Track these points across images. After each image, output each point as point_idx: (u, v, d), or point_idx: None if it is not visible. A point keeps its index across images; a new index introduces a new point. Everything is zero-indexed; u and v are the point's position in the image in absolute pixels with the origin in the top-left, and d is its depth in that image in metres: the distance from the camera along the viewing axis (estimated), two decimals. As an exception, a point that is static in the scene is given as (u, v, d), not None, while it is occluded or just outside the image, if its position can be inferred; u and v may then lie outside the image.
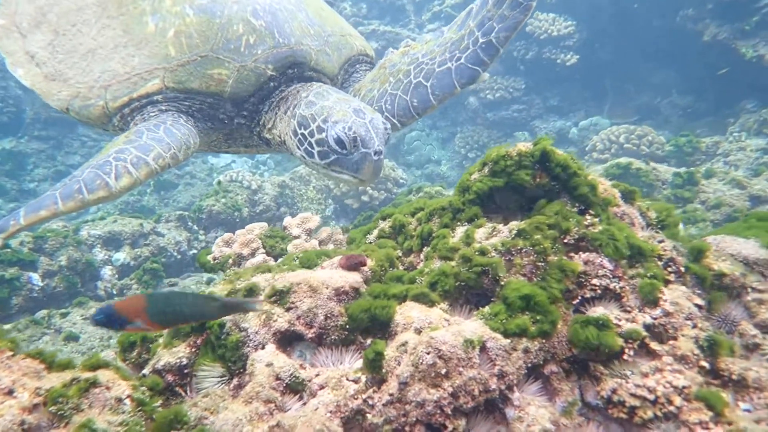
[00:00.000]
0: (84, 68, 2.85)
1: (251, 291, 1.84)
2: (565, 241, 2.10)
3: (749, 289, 2.34)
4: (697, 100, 12.08)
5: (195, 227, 8.18)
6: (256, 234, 2.78)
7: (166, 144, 2.55)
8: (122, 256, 6.62)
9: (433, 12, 16.54)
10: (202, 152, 3.39)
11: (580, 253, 2.08)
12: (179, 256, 7.51)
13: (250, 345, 1.71)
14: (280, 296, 1.82)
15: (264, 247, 2.74)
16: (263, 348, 1.71)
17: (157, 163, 2.48)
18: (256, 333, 1.73)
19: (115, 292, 6.22)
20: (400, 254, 2.31)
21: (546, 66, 13.44)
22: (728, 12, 9.96)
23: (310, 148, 2.53)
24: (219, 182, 9.25)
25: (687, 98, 12.36)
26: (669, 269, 2.20)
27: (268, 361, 1.63)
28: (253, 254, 2.71)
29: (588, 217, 2.18)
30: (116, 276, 6.46)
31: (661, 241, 2.31)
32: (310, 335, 1.78)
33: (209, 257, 2.73)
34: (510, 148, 2.24)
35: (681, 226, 4.42)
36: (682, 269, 2.22)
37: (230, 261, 2.67)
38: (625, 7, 12.94)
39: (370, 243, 2.40)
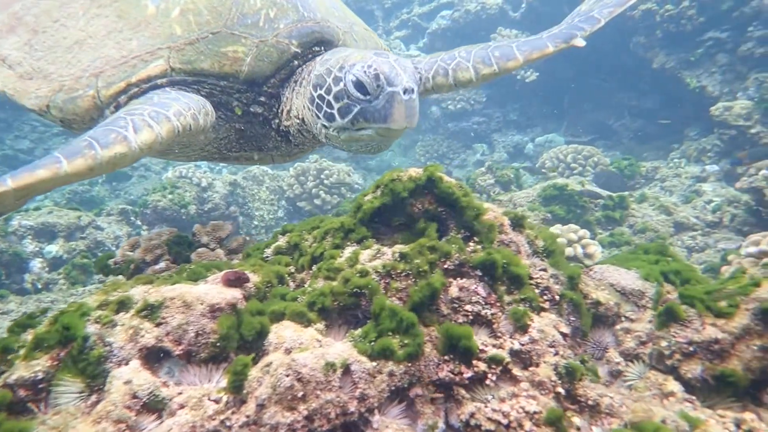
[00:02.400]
0: (69, 60, 2.48)
1: (123, 304, 1.85)
2: (446, 266, 2.19)
3: (623, 318, 2.49)
4: (647, 124, 12.56)
5: (138, 222, 8.04)
6: (164, 240, 2.78)
7: (184, 103, 2.21)
8: (55, 248, 6.46)
9: (401, 20, 16.68)
10: (205, 160, 3.14)
11: (457, 279, 2.17)
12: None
13: (114, 360, 1.72)
14: (151, 311, 1.84)
15: (170, 254, 2.74)
16: (127, 364, 1.72)
17: (179, 120, 2.11)
18: (121, 348, 1.74)
19: (40, 286, 6.06)
20: (293, 271, 2.36)
21: (507, 81, 13.74)
22: (675, 42, 10.40)
23: (329, 110, 2.21)
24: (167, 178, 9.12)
25: (638, 122, 12.84)
26: (545, 296, 2.32)
27: (127, 378, 1.65)
28: (156, 261, 2.71)
29: (471, 243, 2.28)
30: (46, 269, 6.30)
31: (542, 270, 2.43)
32: (178, 352, 1.81)
33: (111, 261, 2.71)
34: (402, 173, 2.32)
35: (599, 249, 4.62)
36: (557, 297, 2.34)
37: (132, 267, 2.67)
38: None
39: (266, 258, 2.44)
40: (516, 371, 2.02)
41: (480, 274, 2.20)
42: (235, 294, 2.01)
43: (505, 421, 1.88)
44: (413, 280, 2.10)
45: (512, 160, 13.31)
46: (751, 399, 2.27)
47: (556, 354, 2.09)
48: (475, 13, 14.16)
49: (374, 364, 1.85)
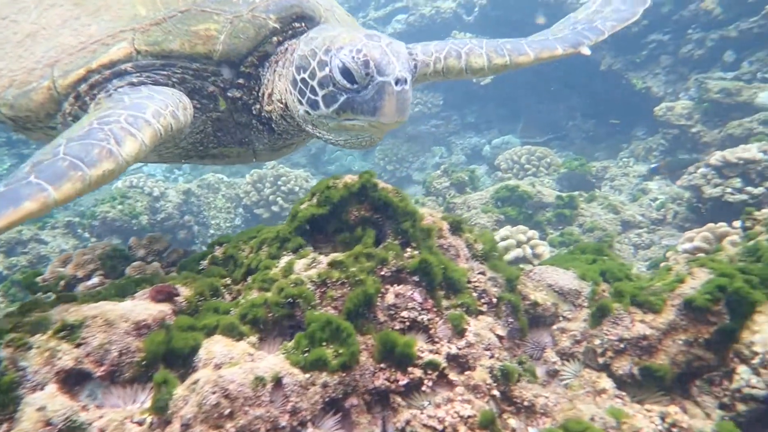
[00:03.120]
0: (20, 54, 2.28)
1: (39, 325, 1.76)
2: (383, 273, 2.18)
3: (560, 318, 2.54)
4: (597, 124, 12.94)
5: (86, 235, 7.75)
6: (98, 254, 2.67)
7: (159, 101, 2.01)
8: (-6, 265, 6.16)
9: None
10: (179, 161, 2.82)
11: (394, 285, 2.17)
12: (66, 266, 7.08)
13: (27, 386, 1.64)
14: (71, 331, 1.76)
15: (104, 269, 2.64)
16: (42, 389, 1.64)
17: (159, 122, 1.92)
18: (36, 372, 1.66)
19: (-24, 306, 5.76)
20: (229, 283, 2.31)
21: (463, 83, 13.93)
22: (622, 45, 10.76)
23: (313, 96, 2.03)
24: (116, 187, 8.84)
25: (589, 122, 13.21)
26: (482, 300, 2.35)
27: (41, 404, 1.57)
28: (88, 276, 2.61)
29: (409, 249, 2.28)
30: (-16, 287, 6.00)
31: (481, 273, 2.46)
32: (99, 373, 1.74)
33: (39, 278, 2.59)
34: (338, 180, 2.30)
35: (547, 249, 4.71)
36: (495, 299, 2.36)
37: (62, 284, 2.55)
38: (547, 27, 13.70)
39: (202, 270, 2.38)
40: (452, 376, 2.03)
41: (417, 279, 2.21)
42: (163, 309, 1.95)
43: (440, 427, 1.88)
44: (349, 288, 2.08)
45: (470, 162, 13.48)
46: (681, 392, 2.36)
47: (492, 357, 2.12)
48: (429, 17, 14.30)
49: (307, 375, 1.82)
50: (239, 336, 1.94)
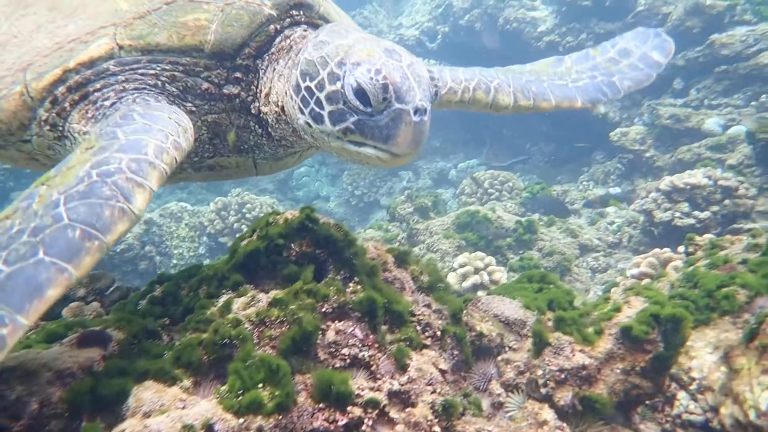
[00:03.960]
0: None
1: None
2: (324, 309, 2.16)
3: (506, 349, 2.56)
4: (558, 148, 13.30)
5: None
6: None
7: (158, 131, 1.80)
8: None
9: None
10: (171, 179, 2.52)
11: (336, 322, 2.15)
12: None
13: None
14: (-12, 382, 1.68)
15: (40, 311, 2.54)
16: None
17: (164, 160, 1.73)
18: (-54, 429, 1.58)
19: None
20: (168, 323, 2.25)
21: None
22: (578, 73, 11.13)
23: (318, 109, 1.85)
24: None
25: (551, 146, 13.57)
26: (426, 333, 2.35)
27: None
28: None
29: (351, 284, 2.27)
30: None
31: (426, 305, 2.46)
32: (17, 429, 1.66)
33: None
34: (278, 216, 2.29)
35: (504, 275, 4.76)
36: (439, 332, 2.37)
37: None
38: (504, 55, 14.09)
39: (139, 310, 2.32)
40: (393, 413, 2.01)
41: (360, 315, 2.19)
42: (91, 356, 1.89)
43: (379, 467, 1.86)
44: (288, 326, 2.05)
45: (436, 186, 13.65)
46: (622, 420, 2.39)
47: (434, 392, 2.11)
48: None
49: (241, 420, 1.77)
50: (172, 380, 1.89)
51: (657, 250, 3.67)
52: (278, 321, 2.06)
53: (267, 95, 2.13)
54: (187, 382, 1.91)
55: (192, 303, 2.21)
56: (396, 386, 2.08)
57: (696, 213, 5.26)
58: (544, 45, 11.04)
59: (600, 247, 6.44)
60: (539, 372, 2.30)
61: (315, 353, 2.07)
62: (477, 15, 12.51)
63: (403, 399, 2.08)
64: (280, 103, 2.09)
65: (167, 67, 2.03)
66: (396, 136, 1.74)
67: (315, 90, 1.87)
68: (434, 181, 14.00)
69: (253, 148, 2.33)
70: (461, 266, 4.67)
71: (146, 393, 1.80)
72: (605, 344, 2.26)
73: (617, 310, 2.32)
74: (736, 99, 8.15)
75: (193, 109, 2.12)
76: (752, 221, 5.15)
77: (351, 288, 2.26)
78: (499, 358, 2.48)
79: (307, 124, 1.95)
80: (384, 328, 2.25)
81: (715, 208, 5.22)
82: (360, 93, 1.74)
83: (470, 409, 2.25)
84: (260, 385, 1.87)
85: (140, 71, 2.02)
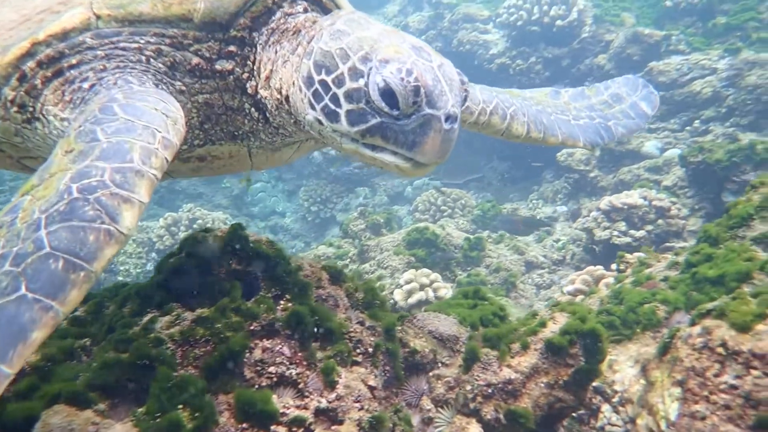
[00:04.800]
0: None
1: None
2: (252, 327, 2.14)
3: (439, 364, 2.59)
4: (512, 167, 13.66)
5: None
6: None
7: (143, 128, 1.60)
8: None
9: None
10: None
11: (264, 340, 2.14)
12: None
13: None
14: None
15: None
16: None
17: (152, 165, 1.55)
18: None
19: None
20: (88, 344, 2.18)
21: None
22: (528, 95, 11.52)
23: (333, 106, 1.68)
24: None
25: (505, 164, 13.92)
26: (358, 350, 2.35)
27: None
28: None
29: (282, 302, 2.26)
30: None
31: (359, 322, 2.47)
32: None
33: None
34: (207, 233, 2.27)
35: (449, 292, 4.82)
36: (371, 349, 2.38)
37: None
38: (463, 71, 14.42)
39: (60, 329, 2.24)
40: (319, 431, 2.00)
41: (289, 332, 2.18)
42: (-2, 377, 1.80)
43: (302, 487, 1.84)
44: (213, 345, 2.02)
45: (392, 203, 13.75)
46: (548, 433, 2.45)
47: (362, 409, 2.11)
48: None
49: (157, 442, 1.73)
50: (86, 403, 1.82)
51: (591, 267, 3.82)
52: (203, 340, 2.03)
53: (267, 78, 1.94)
54: (102, 405, 1.85)
55: (114, 322, 2.15)
56: (324, 404, 2.07)
57: (632, 232, 5.51)
58: (495, 67, 11.38)
59: (545, 264, 6.63)
60: (468, 387, 2.35)
61: (241, 372, 2.05)
62: (432, 36, 12.80)
63: (330, 416, 2.07)
64: (284, 92, 1.90)
65: (152, 40, 1.82)
66: (423, 143, 1.59)
67: (332, 85, 1.68)
68: (390, 198, 14.10)
69: (248, 134, 2.11)
70: (407, 282, 4.72)
71: (55, 418, 1.73)
72: (531, 359, 2.33)
73: (543, 325, 2.40)
74: (673, 123, 8.61)
75: (183, 88, 1.91)
76: (683, 240, 5.43)
77: (282, 305, 2.25)
78: (431, 373, 2.51)
79: (318, 120, 1.76)
80: (315, 345, 2.24)
81: (650, 227, 5.49)
82: (387, 94, 1.58)
83: (400, 425, 2.26)
84: (180, 407, 1.83)
85: (122, 45, 1.81)
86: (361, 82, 1.64)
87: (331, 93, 1.70)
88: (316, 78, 1.73)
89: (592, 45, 10.15)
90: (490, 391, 2.29)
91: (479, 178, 13.98)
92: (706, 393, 2.01)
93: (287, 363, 2.11)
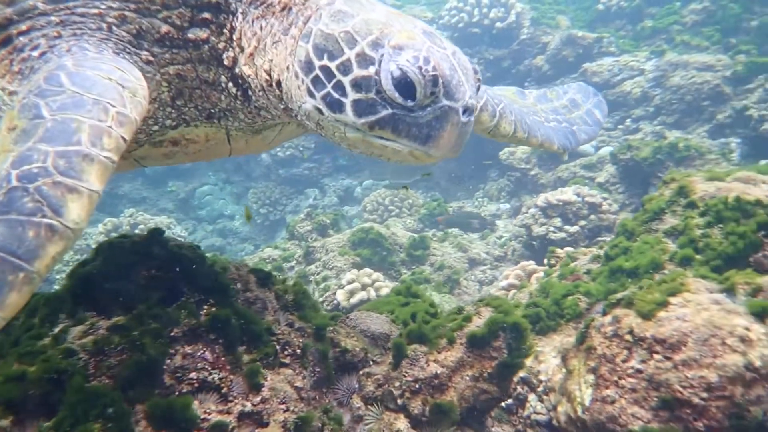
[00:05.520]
0: None
1: None
2: (173, 333, 2.10)
3: (370, 363, 2.61)
4: (459, 166, 13.91)
5: None
6: None
7: (93, 103, 1.42)
8: None
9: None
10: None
11: (185, 346, 2.09)
12: None
13: None
14: None
15: None
16: None
17: (104, 146, 1.37)
18: None
19: None
20: None
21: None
22: (472, 96, 11.76)
23: (337, 95, 1.55)
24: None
25: (452, 164, 14.15)
26: (286, 351, 2.35)
27: None
28: None
29: (206, 306, 2.22)
30: None
31: (288, 324, 2.46)
32: None
33: None
34: (124, 238, 2.20)
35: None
36: (299, 350, 2.38)
37: None
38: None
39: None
40: (242, 436, 1.98)
41: (213, 337, 2.15)
42: None
43: (222, 493, 1.82)
44: (129, 354, 1.97)
45: (342, 203, 13.73)
46: (476, 425, 2.52)
47: (287, 410, 2.11)
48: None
49: (66, 457, 1.67)
50: (-11, 419, 1.73)
51: (524, 263, 3.95)
52: (119, 349, 1.96)
53: (252, 55, 1.78)
54: (5, 422, 1.76)
55: (21, 334, 2.05)
56: (248, 407, 2.05)
57: (567, 227, 5.73)
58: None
59: (487, 260, 6.79)
60: (396, 384, 2.38)
61: (161, 380, 2.00)
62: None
63: (255, 419, 2.05)
64: (275, 76, 1.75)
65: (114, 5, 1.65)
66: (438, 137, 1.50)
67: (336, 72, 1.54)
68: (340, 198, 14.07)
69: (226, 112, 1.93)
70: (349, 283, 4.73)
71: (-49, 436, 1.64)
72: (456, 353, 2.39)
73: (468, 320, 2.46)
74: (606, 122, 9.00)
75: (150, 58, 1.73)
76: (614, 235, 5.69)
77: (206, 310, 2.21)
78: (362, 372, 2.53)
79: (317, 109, 1.62)
80: (241, 348, 2.22)
81: (583, 222, 5.73)
82: (402, 84, 1.46)
83: (330, 425, 2.27)
84: (92, 420, 1.77)
85: (79, 11, 1.63)
86: (372, 69, 1.50)
87: (334, 80, 1.55)
88: (317, 63, 1.58)
89: (530, 47, 10.48)
90: (417, 386, 2.33)
91: (430, 177, 14.17)
92: (615, 378, 2.12)
93: (209, 368, 2.07)
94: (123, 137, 1.45)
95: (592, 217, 5.76)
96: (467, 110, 1.53)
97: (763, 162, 6.03)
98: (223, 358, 2.13)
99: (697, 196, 2.94)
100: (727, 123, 7.43)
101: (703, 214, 2.85)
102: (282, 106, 1.84)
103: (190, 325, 2.13)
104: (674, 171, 3.32)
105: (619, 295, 2.33)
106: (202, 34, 1.76)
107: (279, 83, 1.75)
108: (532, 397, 2.71)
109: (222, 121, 1.98)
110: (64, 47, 1.62)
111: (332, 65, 1.56)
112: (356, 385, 2.54)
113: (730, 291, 2.20)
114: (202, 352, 2.09)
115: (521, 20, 10.39)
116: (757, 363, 1.86)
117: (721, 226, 2.74)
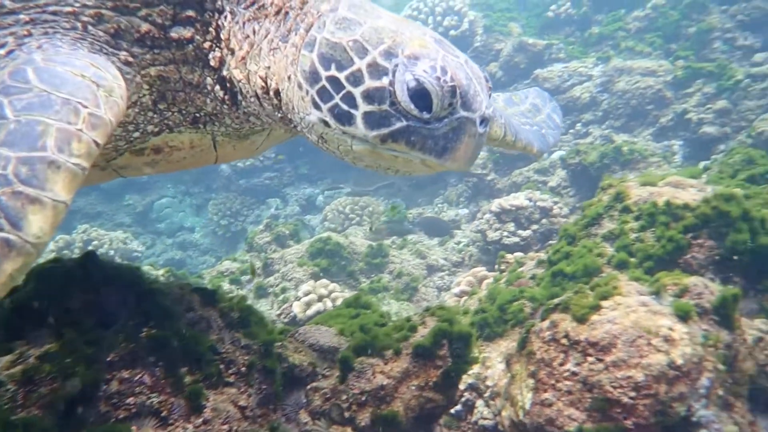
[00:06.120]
0: None
1: None
2: (110, 358, 2.05)
3: (319, 377, 2.62)
4: (420, 172, 14.05)
5: None
6: None
7: (62, 103, 1.32)
8: None
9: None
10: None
11: (122, 371, 2.05)
12: None
13: None
14: None
15: None
16: None
17: (72, 152, 1.27)
18: None
19: None
20: None
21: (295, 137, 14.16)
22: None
23: (346, 107, 1.48)
24: None
25: (413, 170, 14.29)
26: (230, 370, 2.33)
27: None
28: None
29: (146, 329, 2.19)
30: None
31: (233, 342, 2.44)
32: None
33: None
34: (57, 262, 2.15)
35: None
36: (245, 368, 2.36)
37: None
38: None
39: None
40: (183, 460, 1.95)
41: (153, 360, 2.11)
42: None
43: None
44: (61, 382, 1.91)
45: (305, 212, 13.66)
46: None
47: (230, 430, 2.09)
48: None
49: (-8, 493, 1.61)
50: None
51: (476, 269, 4.03)
52: (50, 377, 1.91)
53: (243, 59, 1.69)
54: (-72, 460, 1.69)
55: (-52, 366, 1.97)
56: (190, 429, 2.03)
57: (520, 232, 5.86)
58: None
59: (445, 266, 6.88)
60: (344, 397, 2.39)
61: (96, 408, 1.95)
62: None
63: (197, 443, 2.03)
64: (272, 85, 1.66)
65: (90, 3, 1.55)
66: (455, 149, 1.45)
67: (345, 83, 1.48)
68: (302, 207, 14.00)
69: (212, 117, 1.83)
70: (305, 294, 4.71)
71: None
72: (402, 364, 2.42)
73: (414, 330, 2.50)
74: (559, 127, 9.27)
75: (130, 59, 1.62)
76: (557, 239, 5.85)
77: (145, 332, 2.17)
78: (309, 386, 2.53)
79: (323, 122, 1.54)
80: (183, 370, 2.19)
81: (535, 226, 5.88)
82: (419, 95, 1.41)
83: (275, 443, 2.26)
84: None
85: (51, 9, 1.53)
86: (385, 80, 1.45)
87: (344, 92, 1.49)
88: (324, 74, 1.51)
89: (484, 54, 10.70)
90: (364, 398, 2.35)
91: (389, 184, 14.24)
92: (553, 381, 2.20)
93: (148, 392, 2.04)
94: (95, 141, 1.34)
95: (544, 221, 5.92)
96: (484, 121, 1.50)
97: (702, 163, 6.33)
98: (163, 381, 2.09)
99: (631, 201, 3.08)
100: (670, 126, 7.76)
101: (637, 218, 2.98)
102: (279, 116, 1.76)
103: (127, 349, 2.09)
104: (609, 177, 3.46)
105: (556, 300, 2.41)
106: (186, 33, 1.67)
107: (277, 92, 1.68)
108: (479, 402, 2.77)
109: (208, 126, 1.88)
110: (34, 45, 1.52)
111: (341, 76, 1.49)
112: (304, 400, 2.54)
113: (658, 293, 2.31)
114: (140, 376, 2.05)
115: (474, 28, 10.61)
116: (679, 361, 1.95)
117: (653, 229, 2.87)
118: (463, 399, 2.69)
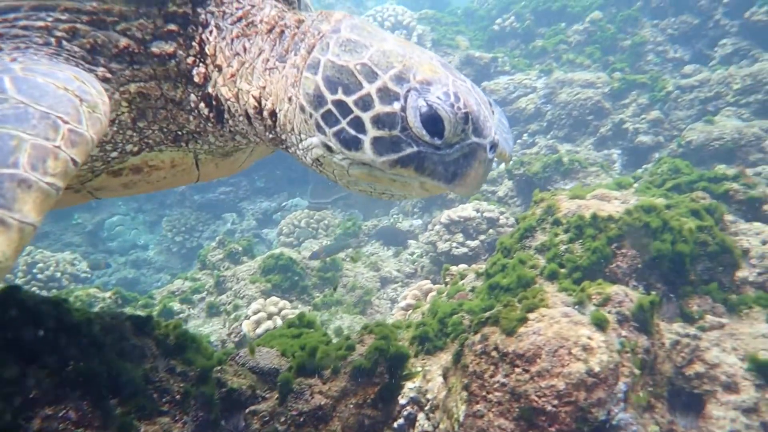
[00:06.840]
0: None
1: None
2: (32, 396, 1.99)
3: (259, 399, 2.61)
4: (376, 183, 14.15)
5: None
6: None
7: (40, 117, 1.23)
8: None
9: None
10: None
11: (46, 407, 2.00)
12: None
13: None
14: None
15: None
16: None
17: (47, 171, 1.18)
18: None
19: None
20: None
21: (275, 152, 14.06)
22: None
23: (354, 132, 1.45)
24: None
25: (370, 182, 14.37)
26: (164, 399, 2.30)
27: None
28: None
29: (72, 362, 2.14)
30: None
31: (168, 369, 2.42)
32: None
33: None
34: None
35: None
36: (180, 396, 2.34)
37: None
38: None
39: None
40: (112, 495, 1.92)
41: (80, 394, 2.07)
42: None
43: None
44: (-20, 421, 1.85)
45: (261, 226, 13.52)
46: (365, 450, 2.58)
47: (163, 462, 2.06)
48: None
49: None
50: None
51: (422, 282, 4.10)
52: (-34, 416, 1.84)
53: (233, 77, 1.63)
54: None
55: None
56: (121, 464, 1.99)
57: (468, 242, 5.99)
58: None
59: (398, 278, 6.95)
60: (282, 419, 2.40)
61: (17, 447, 1.90)
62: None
63: (128, 477, 2.00)
64: (268, 105, 1.62)
65: (63, 17, 1.46)
66: (466, 175, 1.44)
67: (354, 107, 1.45)
68: (259, 222, 13.85)
69: (194, 135, 1.76)
70: (255, 313, 4.67)
71: None
72: (341, 383, 2.45)
73: (352, 349, 2.53)
74: (507, 138, 9.55)
75: (108, 75, 1.55)
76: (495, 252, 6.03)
77: (72, 366, 2.13)
78: (248, 410, 2.52)
79: (326, 146, 1.51)
80: (113, 402, 2.15)
81: (483, 237, 6.03)
82: (432, 121, 1.40)
83: (211, 471, 2.24)
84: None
85: (21, 23, 1.44)
86: (396, 105, 1.43)
87: (351, 116, 1.46)
88: (330, 97, 1.48)
89: (434, 67, 10.92)
90: (302, 419, 2.37)
91: (346, 196, 14.27)
92: (484, 393, 2.27)
93: (73, 428, 1.99)
94: (74, 159, 1.26)
95: (491, 231, 6.08)
96: (493, 146, 1.51)
97: (638, 171, 6.65)
98: (90, 416, 2.05)
99: (561, 213, 3.21)
100: (609, 136, 8.12)
101: (566, 230, 3.12)
102: (270, 136, 1.71)
103: (51, 384, 2.04)
104: (539, 192, 3.60)
105: (487, 314, 2.49)
106: (168, 47, 1.61)
107: (272, 113, 1.64)
108: (420, 416, 2.82)
109: (190, 145, 1.81)
110: (7, 58, 1.44)
111: (348, 100, 1.47)
112: (243, 424, 2.53)
113: (582, 302, 2.42)
114: (64, 411, 2.00)
115: (423, 42, 10.82)
116: (597, 369, 2.06)
117: (581, 241, 3.00)
118: (405, 413, 2.74)
